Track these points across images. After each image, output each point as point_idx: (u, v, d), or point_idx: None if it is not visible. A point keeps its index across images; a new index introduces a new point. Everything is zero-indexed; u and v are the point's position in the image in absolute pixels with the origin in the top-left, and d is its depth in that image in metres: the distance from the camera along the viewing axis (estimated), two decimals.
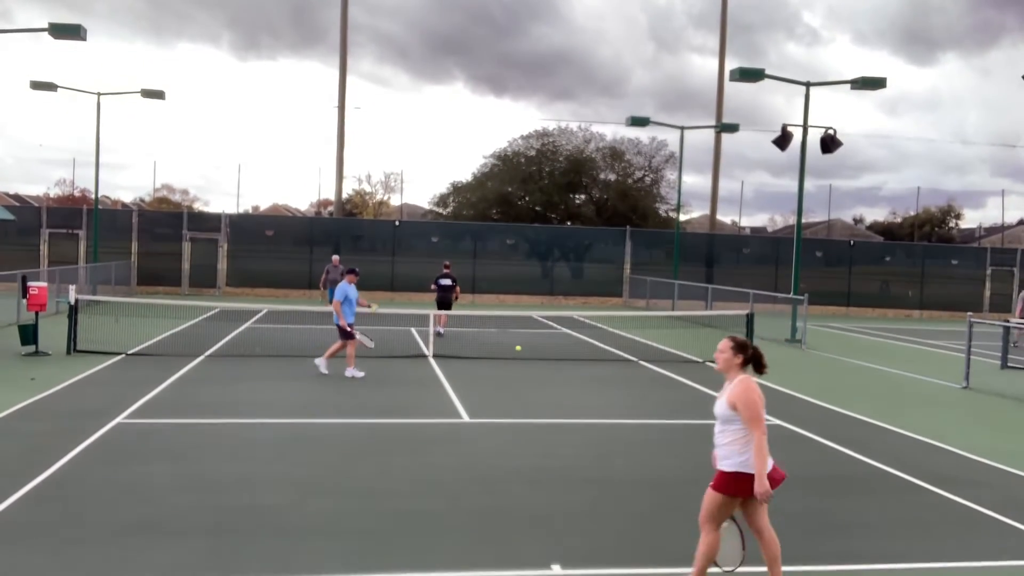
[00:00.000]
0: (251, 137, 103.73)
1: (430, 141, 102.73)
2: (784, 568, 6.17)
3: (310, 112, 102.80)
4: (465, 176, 61.66)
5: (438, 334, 18.72)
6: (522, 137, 47.23)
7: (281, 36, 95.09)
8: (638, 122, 30.72)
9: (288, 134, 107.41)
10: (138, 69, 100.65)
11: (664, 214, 45.50)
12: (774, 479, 5.23)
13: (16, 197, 56.99)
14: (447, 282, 20.27)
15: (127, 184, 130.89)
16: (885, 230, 59.71)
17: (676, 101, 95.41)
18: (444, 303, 20.18)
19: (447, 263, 21.54)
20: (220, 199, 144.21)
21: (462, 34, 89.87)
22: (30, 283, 16.19)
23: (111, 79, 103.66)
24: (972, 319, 15.91)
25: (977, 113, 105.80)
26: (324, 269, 23.59)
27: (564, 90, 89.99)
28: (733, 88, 22.51)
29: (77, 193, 56.08)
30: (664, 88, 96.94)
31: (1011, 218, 63.10)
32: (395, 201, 56.55)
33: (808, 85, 22.45)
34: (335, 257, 24.03)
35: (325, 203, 57.15)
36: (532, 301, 33.15)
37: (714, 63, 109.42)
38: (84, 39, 20.12)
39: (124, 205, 53.58)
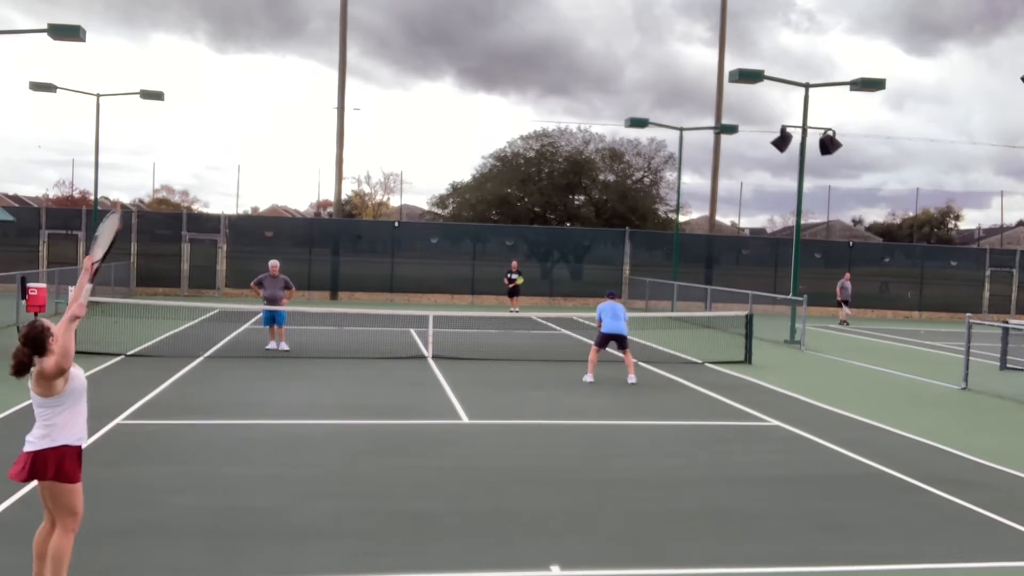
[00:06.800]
0: (248, 137, 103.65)
1: (427, 140, 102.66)
2: (784, 568, 6.19)
3: (305, 110, 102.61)
4: (464, 176, 61.63)
5: (515, 312, 25.62)
6: (521, 138, 47.30)
7: (258, 25, 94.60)
8: (637, 123, 30.75)
9: (285, 133, 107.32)
10: (113, 63, 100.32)
11: (663, 215, 45.50)
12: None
13: (15, 198, 56.95)
14: (514, 276, 27.09)
15: (125, 185, 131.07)
16: (884, 231, 59.76)
17: (671, 94, 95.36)
18: (514, 291, 27.20)
19: (515, 263, 28.12)
20: (218, 200, 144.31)
21: (446, 24, 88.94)
22: (29, 284, 16.21)
23: (87, 75, 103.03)
24: (971, 320, 15.93)
25: (982, 107, 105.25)
26: (257, 279, 17.40)
27: (557, 84, 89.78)
28: (731, 84, 22.59)
29: (76, 194, 56.08)
30: (658, 81, 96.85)
31: (1011, 219, 63.18)
32: (394, 202, 56.61)
33: (807, 86, 22.47)
34: (273, 263, 17.57)
35: (324, 204, 57.20)
36: (531, 302, 33.13)
37: (707, 53, 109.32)
38: (83, 40, 20.10)
39: (123, 206, 53.55)
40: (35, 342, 5.09)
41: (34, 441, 5.16)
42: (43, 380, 5.05)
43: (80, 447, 5.29)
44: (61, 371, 5.07)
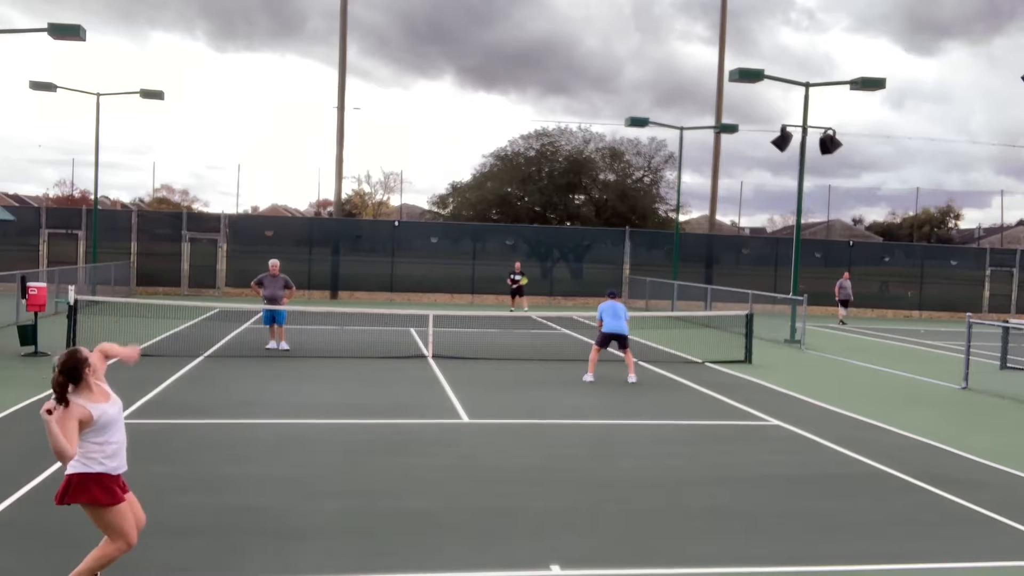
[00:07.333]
0: (248, 136, 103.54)
1: (427, 140, 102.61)
2: (784, 568, 6.19)
3: (305, 109, 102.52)
4: (464, 175, 61.59)
5: (523, 309, 26.56)
6: (522, 137, 47.31)
7: (257, 24, 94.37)
8: (637, 123, 30.73)
9: (285, 133, 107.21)
10: (113, 62, 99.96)
11: (663, 214, 45.52)
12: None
13: (15, 197, 56.93)
14: (518, 277, 27.51)
15: (125, 184, 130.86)
16: (884, 231, 59.77)
17: (671, 93, 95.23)
18: (518, 291, 27.59)
19: (518, 263, 28.48)
20: (217, 199, 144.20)
21: (445, 23, 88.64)
22: (29, 283, 16.18)
23: (87, 74, 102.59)
24: (971, 320, 15.92)
25: (982, 106, 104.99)
26: (257, 278, 17.42)
27: (556, 83, 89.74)
28: (731, 83, 22.69)
29: (76, 194, 56.10)
30: (658, 80, 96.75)
31: (1011, 218, 63.16)
32: (394, 201, 56.62)
33: (807, 86, 22.46)
34: (273, 263, 17.54)
35: (324, 203, 57.19)
36: (531, 302, 33.17)
37: (707, 52, 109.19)
38: (83, 39, 20.08)
39: (123, 205, 53.55)
40: (72, 372, 5.02)
41: (72, 463, 5.15)
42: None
43: (116, 476, 5.28)
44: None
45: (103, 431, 5.19)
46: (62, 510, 6.86)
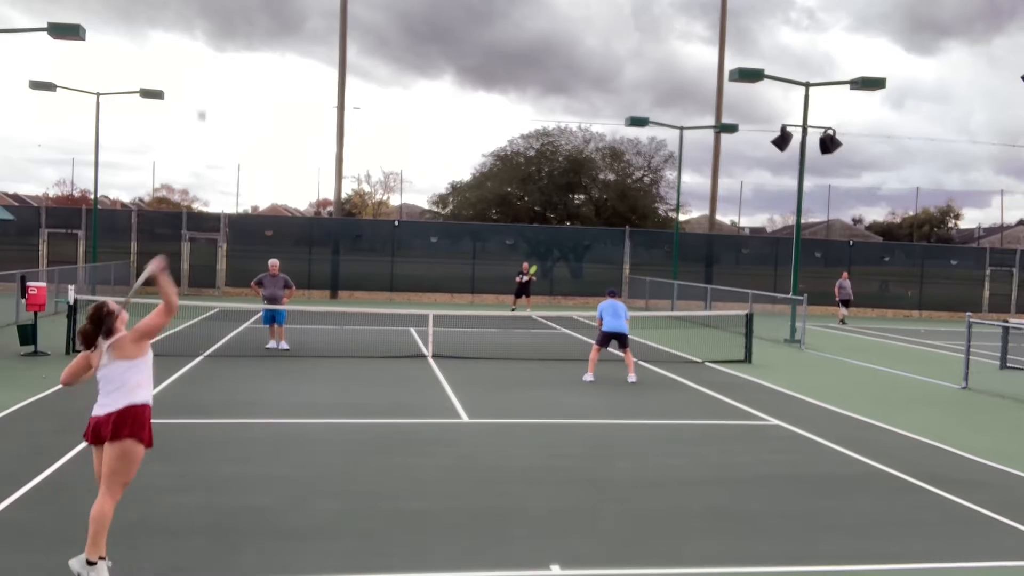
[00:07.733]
0: (248, 136, 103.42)
1: (427, 139, 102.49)
2: (784, 568, 6.19)
3: (305, 109, 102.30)
4: (464, 175, 61.55)
5: (524, 309, 26.57)
6: (522, 137, 47.32)
7: (256, 24, 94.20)
8: (637, 122, 30.75)
9: (285, 132, 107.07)
10: (112, 62, 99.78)
11: (663, 214, 45.52)
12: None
13: (15, 197, 56.91)
14: (524, 277, 27.47)
15: (125, 184, 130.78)
16: (884, 230, 59.76)
17: (671, 93, 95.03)
18: (522, 291, 27.43)
19: (525, 263, 28.29)
20: (217, 198, 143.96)
21: (445, 22, 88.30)
22: (29, 283, 16.19)
23: (87, 73, 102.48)
24: (971, 319, 15.92)
25: (982, 106, 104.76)
26: (257, 278, 17.45)
27: (556, 83, 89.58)
28: (731, 83, 22.84)
29: (76, 193, 56.09)
30: (658, 80, 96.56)
31: (1011, 218, 63.13)
32: (394, 201, 56.61)
33: (807, 85, 22.46)
34: (273, 262, 17.61)
35: (324, 203, 57.18)
36: (532, 301, 33.14)
37: (707, 52, 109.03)
38: (83, 38, 20.08)
39: (123, 205, 53.53)
40: (100, 322, 5.59)
41: (119, 399, 5.45)
42: (139, 340, 5.57)
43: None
44: (147, 333, 5.63)
45: (148, 367, 5.68)
46: (62, 509, 6.86)
